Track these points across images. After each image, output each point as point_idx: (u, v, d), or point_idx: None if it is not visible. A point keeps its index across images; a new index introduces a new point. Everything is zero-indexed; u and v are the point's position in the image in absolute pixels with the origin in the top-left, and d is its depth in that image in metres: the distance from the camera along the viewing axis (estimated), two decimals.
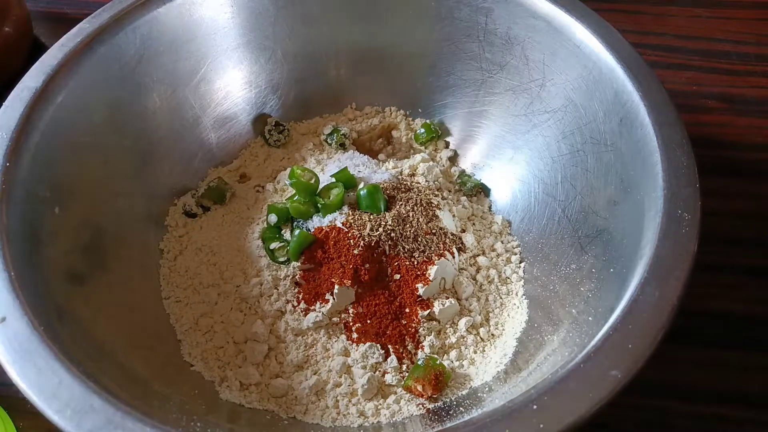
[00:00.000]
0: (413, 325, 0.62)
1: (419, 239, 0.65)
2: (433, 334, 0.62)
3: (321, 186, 0.68)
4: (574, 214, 0.64)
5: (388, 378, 0.59)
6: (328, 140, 0.77)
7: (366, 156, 0.76)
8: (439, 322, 0.63)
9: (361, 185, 0.67)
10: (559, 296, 0.59)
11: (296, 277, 0.64)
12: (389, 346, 0.61)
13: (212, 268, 0.68)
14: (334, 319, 0.62)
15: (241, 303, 0.65)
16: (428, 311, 0.62)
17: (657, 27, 0.95)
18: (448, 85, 0.77)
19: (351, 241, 0.63)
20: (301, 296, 0.63)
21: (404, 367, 0.60)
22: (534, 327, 0.61)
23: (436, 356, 0.60)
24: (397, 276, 0.63)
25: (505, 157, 0.74)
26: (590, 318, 0.53)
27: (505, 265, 0.68)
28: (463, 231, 0.70)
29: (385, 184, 0.68)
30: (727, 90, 0.87)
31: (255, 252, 0.67)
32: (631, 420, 0.62)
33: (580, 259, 0.60)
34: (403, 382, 0.59)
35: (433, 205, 0.68)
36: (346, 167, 0.69)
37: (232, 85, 0.76)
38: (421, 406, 0.57)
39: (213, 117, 0.76)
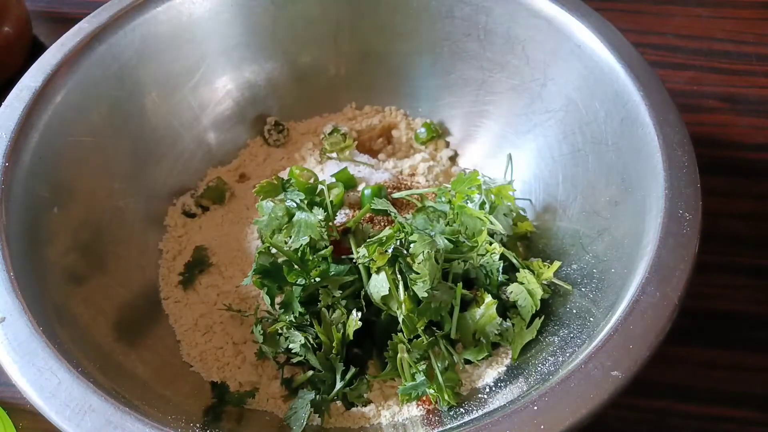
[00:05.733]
0: None
1: None
2: None
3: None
4: (575, 213, 0.64)
5: None
6: (327, 145, 0.75)
7: (366, 155, 0.75)
8: None
9: (363, 185, 0.67)
10: (561, 296, 0.59)
11: None
12: None
13: (212, 268, 0.68)
14: None
15: (241, 303, 0.65)
16: None
17: (658, 27, 0.95)
18: (449, 85, 0.77)
19: None
20: None
21: None
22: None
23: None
24: None
25: (505, 156, 0.73)
26: (591, 318, 0.53)
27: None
28: None
29: (385, 184, 0.68)
30: (728, 90, 0.87)
31: (254, 252, 0.67)
32: (631, 420, 0.62)
33: (581, 259, 0.60)
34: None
35: None
36: (346, 167, 0.69)
37: (232, 85, 0.76)
38: (421, 407, 0.57)
39: (212, 117, 0.76)
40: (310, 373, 0.57)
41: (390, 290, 0.54)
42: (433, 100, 0.79)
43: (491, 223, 0.60)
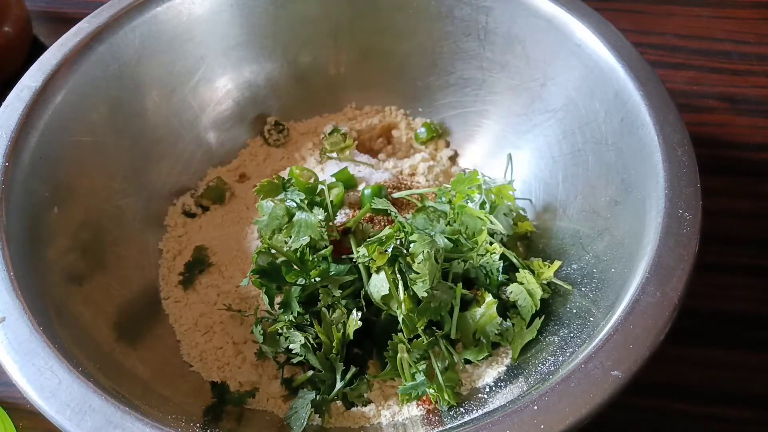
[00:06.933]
0: None
1: None
2: None
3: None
4: (575, 213, 0.64)
5: None
6: (327, 145, 0.75)
7: (366, 155, 0.75)
8: None
9: (363, 185, 0.67)
10: (561, 296, 0.59)
11: None
12: None
13: (211, 268, 0.68)
14: None
15: (241, 303, 0.65)
16: None
17: (658, 26, 0.95)
18: (449, 84, 0.77)
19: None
20: None
21: None
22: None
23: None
24: None
25: (505, 156, 0.73)
26: (591, 318, 0.53)
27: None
28: None
29: (385, 184, 0.68)
30: (728, 89, 0.87)
31: (254, 252, 0.67)
32: (631, 420, 0.62)
33: (581, 258, 0.60)
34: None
35: None
36: (346, 167, 0.69)
37: (232, 85, 0.76)
38: (421, 406, 0.57)
39: (212, 116, 0.76)
40: (310, 373, 0.58)
41: (390, 290, 0.54)
42: (433, 100, 0.79)
43: (491, 222, 0.60)
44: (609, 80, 0.61)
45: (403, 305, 0.54)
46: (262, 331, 0.59)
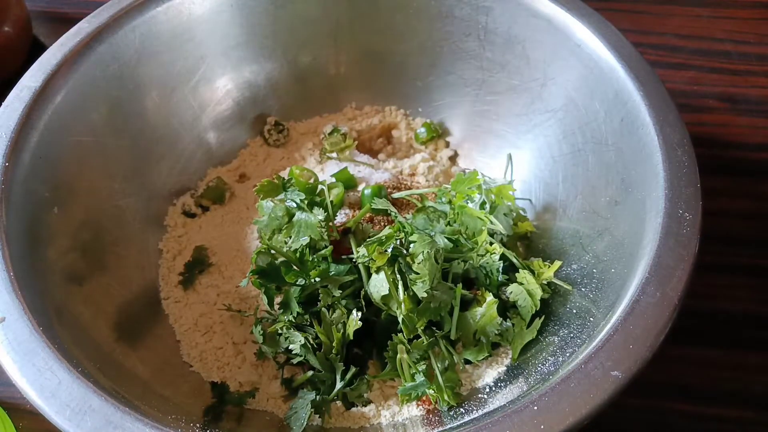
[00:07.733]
0: None
1: None
2: None
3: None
4: (575, 213, 0.64)
5: None
6: (327, 145, 0.75)
7: (366, 155, 0.75)
8: None
9: (363, 185, 0.67)
10: (561, 296, 0.59)
11: None
12: None
13: (212, 268, 0.68)
14: None
15: (241, 303, 0.65)
16: None
17: (658, 27, 0.95)
18: (449, 85, 0.77)
19: None
20: None
21: None
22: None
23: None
24: None
25: (505, 156, 0.74)
26: (591, 318, 0.53)
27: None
28: None
29: (385, 184, 0.68)
30: (728, 90, 0.87)
31: (254, 252, 0.67)
32: (631, 420, 0.62)
33: (581, 259, 0.60)
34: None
35: None
36: (346, 167, 0.69)
37: (232, 85, 0.76)
38: (421, 407, 0.57)
39: (212, 116, 0.76)
40: (310, 373, 0.58)
41: (390, 290, 0.54)
42: (433, 100, 0.79)
43: (491, 222, 0.60)
44: (609, 80, 0.61)
45: (403, 305, 0.54)
46: (262, 332, 0.59)
